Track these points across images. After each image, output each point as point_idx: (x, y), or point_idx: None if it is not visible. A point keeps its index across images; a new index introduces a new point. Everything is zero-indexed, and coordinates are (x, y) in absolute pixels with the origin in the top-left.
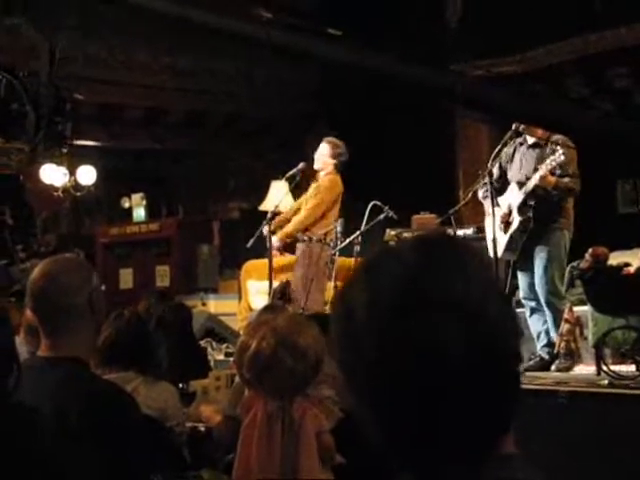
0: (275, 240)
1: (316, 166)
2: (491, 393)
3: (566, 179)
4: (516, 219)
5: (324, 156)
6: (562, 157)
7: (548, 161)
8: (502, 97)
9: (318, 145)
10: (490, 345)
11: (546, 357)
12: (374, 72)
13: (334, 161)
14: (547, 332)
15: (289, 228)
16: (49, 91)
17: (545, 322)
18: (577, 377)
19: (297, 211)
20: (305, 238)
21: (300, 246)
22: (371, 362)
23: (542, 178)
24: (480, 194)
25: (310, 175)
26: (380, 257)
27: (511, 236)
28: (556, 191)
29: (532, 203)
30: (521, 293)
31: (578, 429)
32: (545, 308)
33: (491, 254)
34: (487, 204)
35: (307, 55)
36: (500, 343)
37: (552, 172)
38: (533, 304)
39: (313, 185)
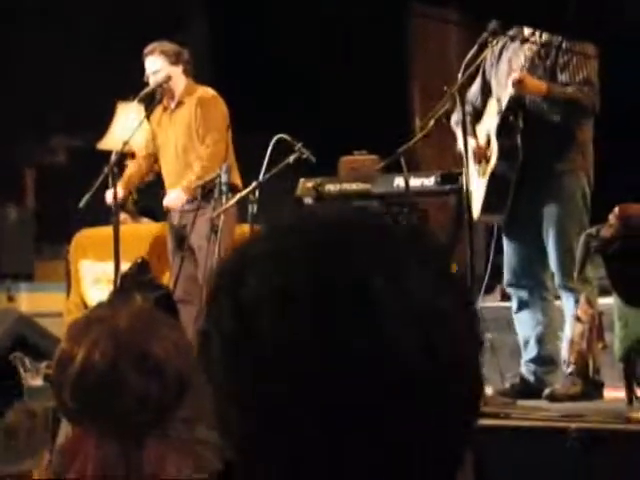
0: (178, 195)
1: (154, 83)
2: (412, 417)
3: (570, 88)
4: (495, 150)
5: (161, 66)
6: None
7: (523, 52)
8: None
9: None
10: (441, 349)
11: (530, 378)
12: None
13: (180, 67)
14: (540, 340)
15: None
16: None
17: (539, 324)
18: (596, 408)
19: (150, 154)
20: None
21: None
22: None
23: (517, 83)
24: (453, 119)
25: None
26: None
27: (490, 180)
28: (552, 104)
29: (517, 123)
30: (506, 276)
31: None
32: (563, 297)
33: (475, 216)
34: (460, 134)
35: None
36: (454, 347)
37: (552, 78)
38: (524, 294)
39: (171, 112)
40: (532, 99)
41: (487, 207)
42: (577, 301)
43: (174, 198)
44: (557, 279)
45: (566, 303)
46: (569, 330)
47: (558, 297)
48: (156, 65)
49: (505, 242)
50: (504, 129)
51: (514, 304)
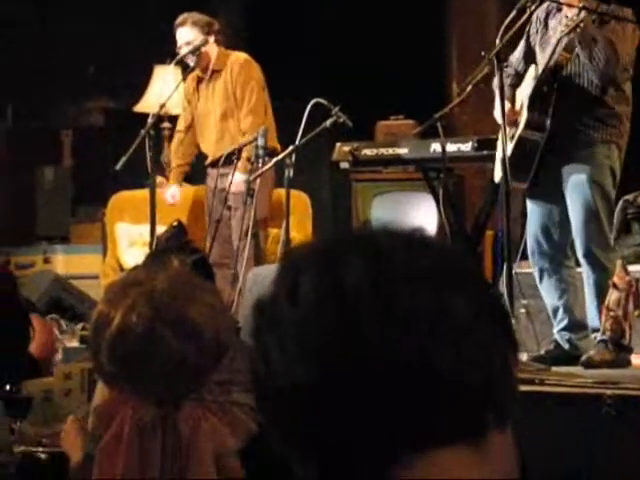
0: (238, 177)
1: (192, 46)
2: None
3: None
4: (524, 118)
5: (194, 37)
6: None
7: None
8: None
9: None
10: None
11: (565, 346)
12: None
13: (212, 37)
14: (567, 309)
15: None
16: None
17: (564, 292)
18: (631, 374)
19: (189, 126)
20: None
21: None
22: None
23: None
24: (494, 82)
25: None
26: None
27: (516, 147)
28: (590, 55)
29: (551, 94)
30: (530, 242)
31: (632, 453)
32: (585, 266)
33: (497, 179)
34: (498, 98)
35: None
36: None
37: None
38: (545, 262)
39: (207, 83)
40: (570, 70)
41: (510, 174)
42: (596, 270)
43: (236, 182)
44: (579, 247)
45: (586, 271)
46: (591, 298)
47: (579, 264)
48: (189, 36)
49: (529, 209)
50: (536, 99)
51: (536, 274)
